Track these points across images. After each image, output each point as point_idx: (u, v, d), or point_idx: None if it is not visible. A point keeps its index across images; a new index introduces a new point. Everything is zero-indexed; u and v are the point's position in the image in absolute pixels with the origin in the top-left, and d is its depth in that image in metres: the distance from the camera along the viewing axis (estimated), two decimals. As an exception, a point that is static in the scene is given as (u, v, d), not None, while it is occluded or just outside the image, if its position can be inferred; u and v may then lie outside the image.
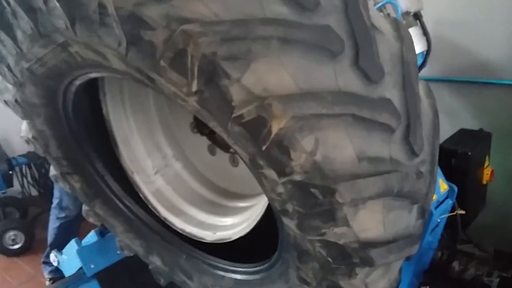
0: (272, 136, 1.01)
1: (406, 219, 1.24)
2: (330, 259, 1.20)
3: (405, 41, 1.22)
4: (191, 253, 2.02)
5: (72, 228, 4.03)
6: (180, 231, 2.04)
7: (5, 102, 1.84)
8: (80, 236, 2.78)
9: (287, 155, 1.03)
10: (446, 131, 2.80)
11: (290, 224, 1.21)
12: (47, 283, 4.07)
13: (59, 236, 4.00)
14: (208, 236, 1.96)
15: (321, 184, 1.03)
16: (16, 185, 4.96)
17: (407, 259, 1.39)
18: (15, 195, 4.96)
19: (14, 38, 1.45)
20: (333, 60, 1.04)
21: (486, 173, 2.77)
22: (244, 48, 0.98)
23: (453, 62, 3.48)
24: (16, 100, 1.78)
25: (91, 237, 2.74)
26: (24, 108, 1.80)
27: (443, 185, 2.39)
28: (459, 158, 2.58)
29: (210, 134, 2.13)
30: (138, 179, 2.11)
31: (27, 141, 2.07)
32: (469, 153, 2.57)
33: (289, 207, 1.15)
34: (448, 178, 2.39)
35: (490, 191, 2.95)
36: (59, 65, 1.45)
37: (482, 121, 3.27)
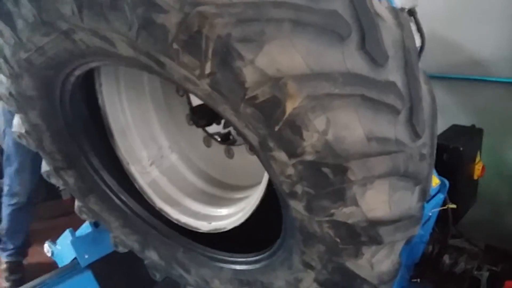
0: (286, 116, 1.03)
1: (409, 200, 1.28)
2: (338, 240, 1.23)
3: (405, 28, 1.26)
4: (189, 246, 2.02)
5: (24, 214, 4.19)
6: (176, 221, 2.04)
7: None
8: (74, 227, 2.75)
9: (299, 135, 1.05)
10: (439, 127, 2.85)
11: (298, 206, 1.23)
12: (4, 266, 4.18)
13: (12, 223, 4.15)
14: (204, 226, 1.96)
15: (333, 162, 1.06)
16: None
17: (408, 241, 1.43)
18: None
19: (13, 27, 1.44)
20: (341, 44, 1.08)
21: (477, 168, 2.84)
22: (258, 29, 1.00)
23: (446, 58, 3.55)
24: (10, 93, 1.76)
25: (85, 227, 2.72)
26: (18, 101, 1.78)
27: (434, 180, 2.44)
28: (450, 153, 2.64)
29: (206, 126, 2.14)
30: (134, 170, 2.10)
31: (19, 136, 2.04)
32: (461, 149, 2.63)
33: (299, 188, 1.17)
34: (440, 173, 2.45)
35: (481, 187, 3.02)
36: (60, 54, 1.45)
37: (474, 117, 3.35)
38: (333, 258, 1.31)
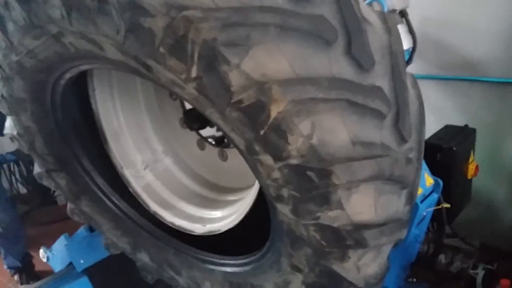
0: (271, 120, 1.04)
1: (396, 203, 1.29)
2: (324, 243, 1.24)
3: (392, 33, 1.27)
4: (180, 248, 2.02)
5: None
6: (170, 225, 2.04)
7: None
8: (70, 232, 2.75)
9: (284, 139, 1.06)
10: (432, 128, 2.87)
11: (284, 210, 1.24)
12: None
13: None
14: (198, 228, 1.97)
15: (318, 166, 1.07)
16: (5, 183, 4.86)
17: (395, 245, 1.44)
18: (4, 193, 4.87)
19: (4, 31, 1.44)
20: (328, 48, 1.08)
21: (471, 168, 2.84)
22: (244, 34, 1.01)
23: (438, 59, 3.56)
24: (2, 95, 1.77)
25: (80, 232, 2.72)
26: (10, 104, 1.79)
27: (428, 179, 2.44)
28: (444, 153, 2.64)
29: (199, 129, 2.15)
30: (128, 174, 2.11)
31: (11, 138, 2.04)
32: (454, 148, 2.63)
33: (285, 192, 1.18)
34: (434, 172, 2.45)
35: (476, 186, 3.03)
36: (51, 57, 1.45)
37: (467, 117, 3.34)
38: (320, 261, 1.32)
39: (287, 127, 1.04)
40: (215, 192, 2.20)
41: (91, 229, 2.66)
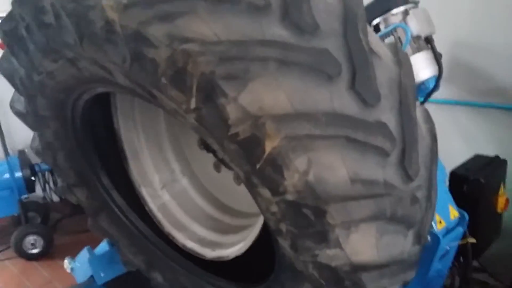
0: (266, 155, 1.03)
1: (401, 244, 1.23)
2: (322, 281, 1.20)
3: (403, 66, 1.24)
4: (191, 270, 2.02)
5: None
6: (182, 247, 2.05)
7: (17, 113, 1.90)
8: (97, 242, 2.82)
9: (281, 174, 1.04)
10: (462, 156, 2.77)
11: (284, 244, 1.22)
12: None
13: None
14: (207, 253, 1.97)
15: (313, 204, 1.04)
16: (38, 191, 5.04)
17: (404, 285, 1.38)
18: (37, 201, 5.04)
19: (26, 52, 1.51)
20: (330, 83, 1.06)
21: (501, 201, 2.70)
22: (242, 68, 1.01)
23: (470, 84, 3.43)
24: (27, 112, 1.84)
25: (102, 246, 2.77)
26: (34, 120, 1.86)
27: (453, 212, 2.35)
28: (471, 185, 2.52)
29: (216, 152, 2.16)
30: (145, 193, 2.15)
31: (37, 153, 2.12)
32: (482, 181, 2.52)
33: (283, 226, 1.16)
34: (460, 205, 2.36)
35: (506, 221, 2.88)
36: (68, 79, 1.51)
37: (498, 147, 3.20)
38: (320, 299, 1.28)
39: (283, 162, 1.03)
40: (228, 215, 2.19)
41: (112, 244, 2.71)
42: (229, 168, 2.16)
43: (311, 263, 1.18)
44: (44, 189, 5.02)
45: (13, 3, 1.44)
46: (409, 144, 1.16)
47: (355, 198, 1.05)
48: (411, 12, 2.05)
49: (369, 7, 2.11)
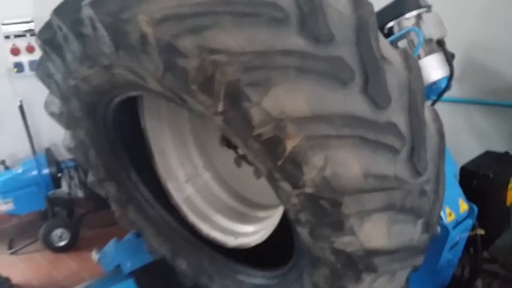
0: (287, 153, 1.14)
1: (411, 232, 1.35)
2: (338, 265, 1.32)
3: (413, 70, 1.34)
4: (214, 257, 2.16)
5: None
6: (206, 236, 2.19)
7: (51, 113, 2.04)
8: (122, 236, 2.97)
9: (300, 170, 1.16)
10: (474, 152, 2.86)
11: (303, 232, 1.34)
12: None
13: None
14: (230, 241, 2.10)
15: (329, 196, 1.16)
16: (64, 187, 5.24)
17: (414, 270, 1.49)
18: (63, 196, 5.25)
19: (63, 58, 1.64)
20: (344, 88, 1.18)
21: (510, 195, 2.79)
22: (265, 75, 1.12)
23: (483, 83, 3.49)
24: (61, 113, 1.98)
25: (129, 237, 2.93)
26: (68, 120, 2.00)
27: (463, 205, 2.44)
28: (480, 179, 2.62)
29: (236, 148, 2.28)
30: (170, 187, 2.29)
31: (69, 150, 2.27)
32: (491, 176, 2.61)
33: (302, 216, 1.28)
34: (470, 199, 2.45)
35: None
36: (102, 84, 1.63)
37: (510, 144, 3.26)
38: (336, 282, 1.40)
39: (302, 160, 1.14)
40: (249, 207, 2.32)
41: (138, 235, 2.86)
42: (251, 164, 2.30)
43: (328, 249, 1.30)
44: (69, 185, 5.23)
45: (52, 14, 1.56)
46: (417, 142, 1.27)
47: (368, 191, 1.17)
48: (423, 16, 2.12)
49: (383, 11, 2.19)
